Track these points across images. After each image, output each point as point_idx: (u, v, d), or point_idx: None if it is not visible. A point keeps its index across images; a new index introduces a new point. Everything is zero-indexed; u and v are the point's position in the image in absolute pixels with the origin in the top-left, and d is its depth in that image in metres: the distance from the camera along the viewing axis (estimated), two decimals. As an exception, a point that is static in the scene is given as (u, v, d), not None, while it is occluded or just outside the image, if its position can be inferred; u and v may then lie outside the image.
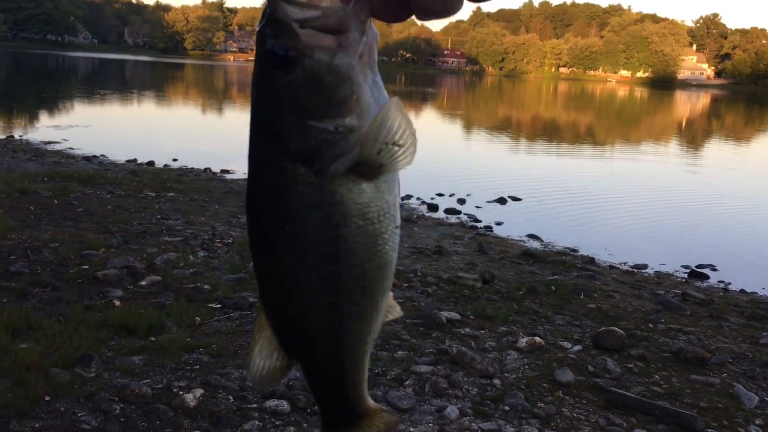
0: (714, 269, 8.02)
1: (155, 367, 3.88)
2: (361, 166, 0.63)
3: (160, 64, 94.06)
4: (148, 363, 3.91)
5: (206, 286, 5.30)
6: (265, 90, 0.64)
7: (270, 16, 0.59)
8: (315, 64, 0.60)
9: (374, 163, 0.62)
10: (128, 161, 12.66)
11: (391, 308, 0.79)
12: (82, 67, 68.57)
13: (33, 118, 21.29)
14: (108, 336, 4.22)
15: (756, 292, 7.15)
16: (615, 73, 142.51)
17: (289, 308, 0.72)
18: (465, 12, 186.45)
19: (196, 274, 5.61)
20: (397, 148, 0.62)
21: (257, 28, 0.62)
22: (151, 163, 12.55)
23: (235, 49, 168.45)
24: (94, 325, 4.31)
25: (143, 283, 5.28)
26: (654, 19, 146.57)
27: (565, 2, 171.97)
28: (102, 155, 13.18)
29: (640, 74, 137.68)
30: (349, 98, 0.61)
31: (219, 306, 4.94)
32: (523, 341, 4.60)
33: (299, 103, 0.62)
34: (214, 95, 40.49)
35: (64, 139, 15.15)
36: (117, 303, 4.77)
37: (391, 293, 0.77)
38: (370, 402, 0.84)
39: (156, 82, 51.75)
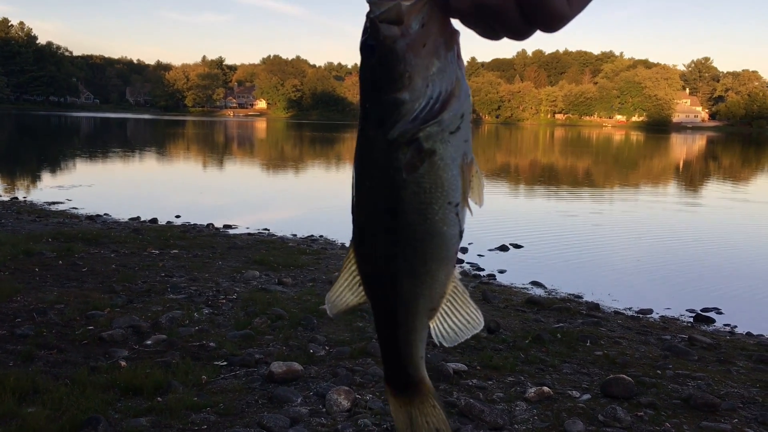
0: (719, 312, 7.99)
1: (162, 428, 3.85)
2: (419, 142, 0.78)
3: (161, 121, 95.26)
4: (156, 424, 3.89)
5: (212, 344, 5.30)
6: (361, 72, 0.80)
7: (366, 16, 0.76)
8: (384, 49, 0.75)
9: (427, 146, 0.78)
10: (131, 219, 12.75)
11: (458, 295, 0.89)
12: (85, 127, 69.44)
13: (36, 179, 21.50)
14: (114, 397, 4.20)
15: (763, 335, 7.11)
16: (610, 117, 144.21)
17: (365, 248, 0.86)
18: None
19: (202, 332, 5.61)
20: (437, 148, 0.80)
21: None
22: (154, 221, 12.63)
23: (234, 105, 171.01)
24: (101, 387, 4.30)
25: (149, 342, 5.28)
26: (646, 64, 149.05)
27: (557, 50, 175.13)
28: (105, 214, 13.28)
29: (635, 118, 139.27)
30: (402, 76, 0.75)
31: (225, 363, 4.93)
32: (531, 391, 4.57)
33: (375, 80, 0.78)
34: (215, 150, 40.91)
35: (67, 199, 15.29)
36: (123, 363, 4.77)
37: (457, 275, 0.89)
38: (426, 378, 0.93)
39: (157, 139, 52.35)
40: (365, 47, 0.77)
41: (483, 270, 9.78)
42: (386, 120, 0.77)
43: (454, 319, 0.89)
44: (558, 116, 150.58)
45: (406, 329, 0.88)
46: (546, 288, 8.87)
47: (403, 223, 0.81)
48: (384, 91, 0.77)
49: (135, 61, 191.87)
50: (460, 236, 0.85)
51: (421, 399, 0.93)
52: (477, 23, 0.72)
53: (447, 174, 0.80)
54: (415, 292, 0.85)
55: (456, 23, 0.77)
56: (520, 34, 0.71)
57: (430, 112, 0.77)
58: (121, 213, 13.34)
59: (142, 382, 4.36)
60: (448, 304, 0.89)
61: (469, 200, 0.85)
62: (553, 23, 0.68)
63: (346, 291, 0.89)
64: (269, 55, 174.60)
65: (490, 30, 0.73)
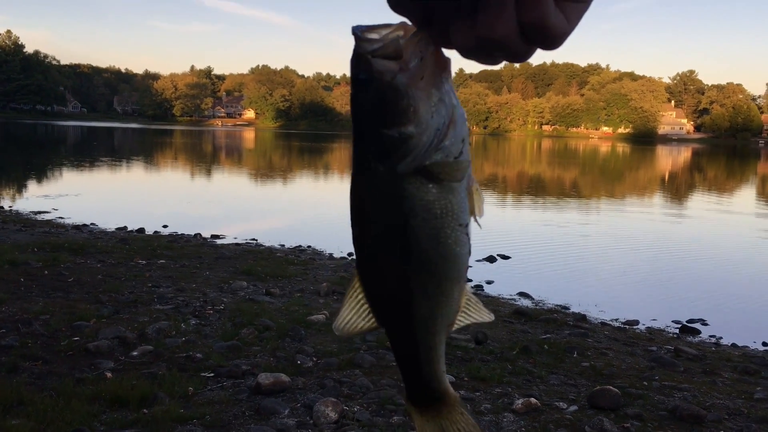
0: (705, 323, 8.05)
1: (148, 440, 3.83)
2: (426, 171, 0.78)
3: (149, 130, 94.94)
4: (141, 436, 3.86)
5: (198, 355, 5.27)
6: (355, 105, 0.79)
7: (354, 50, 0.75)
8: (381, 84, 0.75)
9: (435, 176, 0.79)
10: (118, 229, 12.68)
11: (472, 305, 0.92)
12: (71, 136, 69.08)
13: (22, 188, 21.35)
14: (100, 409, 4.17)
15: (747, 346, 7.17)
16: (597, 129, 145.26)
17: (373, 278, 0.86)
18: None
19: (188, 343, 5.58)
20: (452, 175, 0.81)
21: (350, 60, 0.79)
22: (141, 230, 12.57)
23: (223, 114, 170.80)
24: (86, 399, 4.26)
25: (135, 353, 5.25)
26: (632, 76, 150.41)
27: (545, 62, 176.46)
28: (92, 224, 13.20)
29: (621, 130, 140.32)
30: (407, 110, 0.75)
31: (212, 375, 4.90)
32: (518, 403, 4.58)
33: (374, 115, 0.77)
34: (203, 160, 40.81)
35: (53, 209, 15.19)
36: (109, 375, 4.73)
37: (469, 289, 0.91)
38: (450, 388, 0.94)
39: (145, 148, 52.16)
40: (359, 82, 0.77)
41: (470, 281, 9.79)
42: (392, 153, 0.78)
43: (469, 322, 0.92)
44: (545, 127, 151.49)
45: (425, 348, 0.90)
46: (533, 299, 8.90)
47: (416, 251, 0.81)
48: (387, 126, 0.77)
49: (123, 70, 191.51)
50: (470, 253, 0.87)
51: (449, 409, 0.94)
52: (479, 55, 0.72)
53: (456, 198, 0.81)
54: (432, 313, 0.87)
55: (449, 51, 0.77)
56: (522, 57, 0.71)
57: (435, 143, 0.77)
58: (108, 222, 13.27)
59: (128, 394, 4.33)
60: (463, 314, 0.91)
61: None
62: (554, 42, 0.69)
63: (355, 317, 0.89)
64: (258, 65, 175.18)
65: (490, 59, 0.73)
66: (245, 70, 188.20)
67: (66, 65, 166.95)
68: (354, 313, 0.88)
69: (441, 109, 0.77)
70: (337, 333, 0.89)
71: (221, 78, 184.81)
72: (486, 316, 0.92)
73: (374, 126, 0.78)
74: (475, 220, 0.86)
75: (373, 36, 0.74)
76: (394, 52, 0.73)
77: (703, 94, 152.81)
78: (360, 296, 0.88)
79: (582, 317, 7.80)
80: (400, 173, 0.78)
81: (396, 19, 0.76)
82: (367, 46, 0.74)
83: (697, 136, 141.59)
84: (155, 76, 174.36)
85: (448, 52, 0.77)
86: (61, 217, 13.99)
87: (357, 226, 0.84)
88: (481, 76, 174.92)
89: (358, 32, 0.75)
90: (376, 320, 0.89)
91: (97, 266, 8.53)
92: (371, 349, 5.60)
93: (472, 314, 0.91)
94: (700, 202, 25.07)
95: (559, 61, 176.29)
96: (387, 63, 0.74)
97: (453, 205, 0.81)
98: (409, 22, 0.75)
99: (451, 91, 0.78)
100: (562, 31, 0.68)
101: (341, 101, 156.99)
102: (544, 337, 6.46)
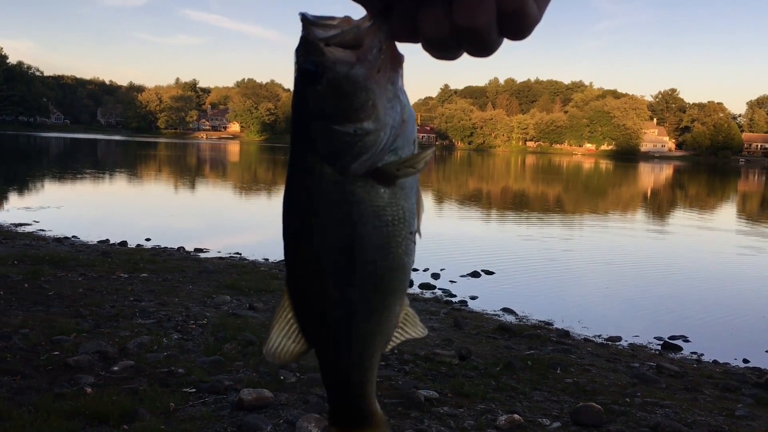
0: (686, 340, 8.11)
1: (128, 457, 3.78)
2: (379, 172, 0.72)
3: (132, 143, 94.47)
4: (121, 453, 3.81)
5: (180, 370, 5.22)
6: (299, 100, 0.73)
7: (302, 38, 0.69)
8: (336, 75, 0.69)
9: (391, 174, 0.73)
10: (100, 242, 12.57)
11: (409, 319, 0.85)
12: (54, 148, 68.56)
13: (2, 199, 21.11)
14: (79, 426, 4.11)
15: (728, 363, 7.23)
16: (580, 146, 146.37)
17: (308, 294, 0.79)
18: (433, 88, 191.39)
19: (170, 358, 5.53)
20: (412, 170, 0.74)
21: (295, 49, 0.72)
22: (123, 244, 12.47)
23: (208, 127, 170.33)
24: (66, 414, 4.20)
25: (116, 368, 5.18)
26: (615, 94, 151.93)
27: (529, 79, 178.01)
28: (74, 236, 13.07)
29: (604, 147, 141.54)
30: (366, 105, 0.70)
31: (194, 390, 4.85)
32: (502, 419, 4.58)
33: (325, 110, 0.71)
34: (187, 173, 40.64)
35: (35, 221, 15.03)
36: (89, 390, 4.67)
37: (407, 302, 0.84)
38: (378, 409, 0.88)
39: (129, 161, 51.88)
40: (307, 72, 0.70)
41: (455, 296, 9.80)
42: (346, 153, 0.71)
43: (402, 338, 0.86)
44: (529, 144, 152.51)
45: (361, 369, 0.84)
46: (517, 314, 8.92)
47: (362, 261, 0.75)
48: (341, 122, 0.71)
49: (107, 82, 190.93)
50: (413, 263, 0.81)
51: (373, 429, 0.88)
52: (446, 47, 0.67)
53: (407, 203, 0.76)
54: (372, 330, 0.81)
55: (402, 46, 0.72)
56: (490, 50, 0.67)
57: (390, 141, 0.72)
58: (90, 235, 13.15)
59: (108, 410, 4.27)
60: (400, 330, 0.85)
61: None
62: (526, 32, 0.65)
63: (286, 340, 0.81)
64: (243, 79, 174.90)
65: (453, 52, 0.67)
66: (231, 84, 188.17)
67: (49, 76, 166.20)
68: (285, 336, 0.81)
69: (396, 105, 0.73)
70: (268, 360, 0.82)
71: (206, 91, 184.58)
72: (420, 331, 0.86)
73: (325, 122, 0.72)
74: (419, 232, 0.80)
75: (328, 22, 0.69)
76: (353, 41, 0.68)
77: (684, 112, 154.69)
78: (289, 316, 0.81)
79: (565, 333, 7.83)
80: (351, 175, 0.72)
81: (353, 7, 0.70)
82: (320, 32, 0.68)
83: (679, 153, 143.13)
84: (140, 89, 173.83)
85: (400, 48, 0.73)
86: (43, 230, 13.84)
87: (292, 236, 0.78)
88: (466, 92, 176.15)
89: (309, 17, 0.69)
90: (306, 340, 0.82)
91: (79, 280, 8.45)
92: (355, 365, 5.57)
93: (408, 330, 0.85)
94: (681, 218, 25.31)
95: (543, 78, 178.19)
96: (343, 52, 0.68)
97: (404, 212, 0.76)
98: (356, 16, 0.69)
99: (403, 89, 0.74)
100: (535, 20, 0.65)
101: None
102: (528, 353, 6.47)
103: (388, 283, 0.78)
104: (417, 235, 0.79)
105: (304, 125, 0.73)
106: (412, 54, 0.76)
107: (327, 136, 0.72)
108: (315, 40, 0.69)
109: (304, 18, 0.69)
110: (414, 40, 0.69)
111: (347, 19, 0.70)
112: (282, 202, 0.77)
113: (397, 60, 0.72)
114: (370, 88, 0.70)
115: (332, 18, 0.70)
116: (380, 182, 0.73)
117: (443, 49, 0.67)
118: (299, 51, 0.70)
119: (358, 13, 0.70)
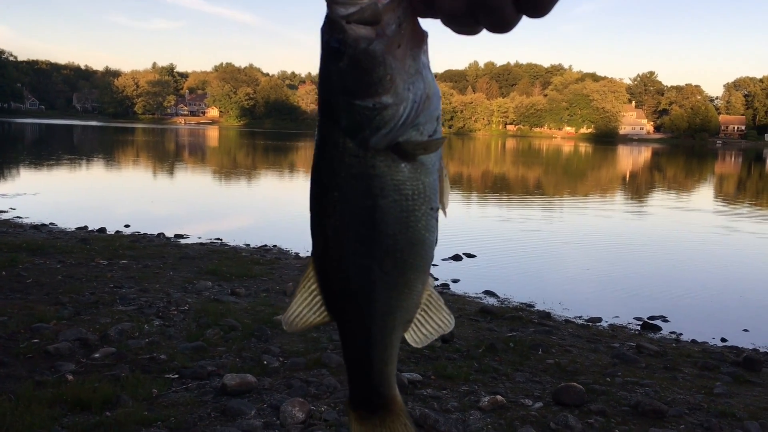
0: (665, 320, 8.21)
1: (111, 443, 3.76)
2: (399, 147, 0.74)
3: (109, 128, 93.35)
4: (104, 440, 3.78)
5: (162, 356, 5.19)
6: (324, 75, 0.75)
7: (326, 16, 0.71)
8: (356, 51, 0.70)
9: (411, 151, 0.75)
10: (78, 229, 12.43)
11: (433, 302, 0.86)
12: (30, 134, 67.51)
13: (-22, 186, 20.79)
14: (61, 413, 4.08)
15: (707, 342, 7.34)
16: (560, 129, 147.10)
17: (331, 265, 0.81)
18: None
19: (152, 344, 5.49)
20: (423, 152, 0.76)
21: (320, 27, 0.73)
22: (102, 230, 12.34)
23: (186, 112, 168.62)
24: (47, 402, 4.17)
25: (97, 355, 5.15)
26: (594, 77, 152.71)
27: (509, 62, 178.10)
28: (51, 223, 12.91)
29: (583, 130, 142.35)
30: (384, 79, 0.71)
31: (176, 376, 4.83)
32: (485, 400, 4.61)
33: (346, 85, 0.72)
34: (166, 159, 40.24)
35: (11, 208, 14.82)
36: (70, 377, 4.63)
37: (432, 283, 0.85)
38: (398, 395, 0.89)
39: (106, 147, 51.26)
40: (331, 50, 0.72)
41: (437, 279, 9.84)
42: (366, 126, 0.73)
43: (428, 326, 0.86)
44: (509, 127, 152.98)
45: (381, 346, 0.84)
46: (499, 297, 8.97)
47: (383, 234, 0.76)
48: (361, 96, 0.72)
49: (83, 67, 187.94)
50: (437, 242, 0.82)
51: (393, 418, 0.88)
52: (463, 22, 0.67)
53: (429, 179, 0.77)
54: (392, 305, 0.81)
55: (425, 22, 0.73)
56: (508, 27, 0.67)
57: (411, 116, 0.73)
58: (68, 222, 12.99)
59: (89, 397, 4.24)
60: (423, 312, 0.85)
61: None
62: (546, 9, 0.65)
63: (306, 310, 0.83)
64: (222, 63, 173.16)
65: (472, 27, 0.68)
66: (209, 68, 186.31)
67: (23, 61, 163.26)
68: (305, 306, 0.84)
69: (418, 81, 0.73)
70: (285, 327, 0.84)
71: (184, 76, 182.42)
72: (446, 318, 0.86)
73: (347, 97, 0.73)
74: (442, 208, 0.81)
75: (350, 0, 0.70)
76: (372, 17, 0.69)
77: (662, 95, 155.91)
78: (313, 287, 0.83)
79: (546, 315, 7.90)
80: (372, 149, 0.74)
81: None
82: (341, 10, 0.70)
83: (657, 136, 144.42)
84: (116, 73, 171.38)
85: (424, 25, 0.74)
86: (19, 217, 13.66)
87: (318, 209, 0.79)
88: (445, 76, 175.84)
89: None
90: (328, 313, 0.83)
91: (57, 267, 8.36)
92: (338, 348, 5.58)
93: (432, 314, 0.85)
94: (660, 200, 25.57)
95: (523, 61, 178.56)
96: (363, 29, 0.70)
97: (425, 187, 0.77)
98: None
99: (427, 66, 0.75)
100: None
101: (306, 100, 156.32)
102: (510, 335, 6.52)
103: (408, 258, 0.79)
104: (441, 213, 0.81)
105: (327, 100, 0.75)
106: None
107: (348, 110, 0.73)
108: (337, 18, 0.70)
109: None
110: (433, 16, 0.70)
111: None
112: (309, 174, 0.79)
113: (420, 36, 0.73)
114: (389, 63, 0.71)
115: None
116: (401, 157, 0.75)
117: (461, 23, 0.68)
118: (323, 29, 0.72)
119: None
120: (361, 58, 0.70)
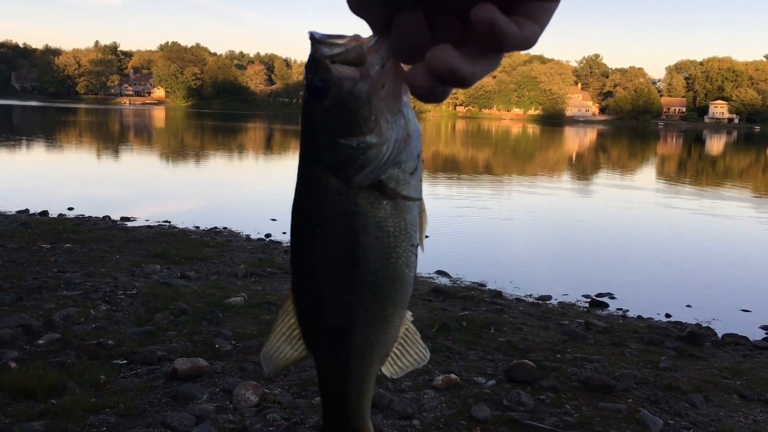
0: (612, 297, 8.41)
1: (58, 431, 3.65)
2: (382, 186, 0.75)
3: (50, 108, 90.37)
4: (50, 428, 3.67)
5: (110, 342, 5.07)
6: (308, 114, 0.75)
7: (310, 55, 0.71)
8: (341, 91, 0.71)
9: (391, 189, 0.76)
10: (19, 212, 12.01)
11: (410, 336, 0.87)
12: (-36, 114, 64.81)
13: None
14: (4, 401, 3.94)
15: (652, 318, 7.55)
16: (508, 111, 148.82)
17: (310, 300, 0.81)
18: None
19: (99, 329, 5.35)
20: (410, 200, 0.79)
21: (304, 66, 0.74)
22: (44, 213, 11.96)
23: (131, 93, 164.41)
24: (-12, 391, 4.02)
25: (41, 341, 4.99)
26: (541, 60, 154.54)
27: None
28: (-11, 206, 12.45)
29: (531, 112, 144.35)
30: (368, 119, 0.72)
31: (125, 362, 4.72)
32: (439, 379, 4.64)
33: (330, 124, 0.73)
34: (111, 140, 39.16)
35: (-55, 191, 14.23)
36: (13, 365, 4.48)
37: (409, 317, 0.86)
38: (371, 428, 0.90)
39: (47, 127, 49.56)
40: (315, 88, 0.72)
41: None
42: (348, 164, 0.74)
43: (405, 360, 0.87)
44: (459, 109, 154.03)
45: (358, 380, 0.86)
46: (451, 277, 9.04)
47: (364, 270, 0.77)
48: (345, 135, 0.73)
49: (21, 45, 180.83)
50: (415, 277, 0.83)
51: None
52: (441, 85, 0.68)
53: (409, 216, 0.78)
54: (371, 340, 0.83)
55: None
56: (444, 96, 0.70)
57: (393, 154, 0.74)
58: (8, 205, 12.53)
59: (34, 384, 4.11)
60: (400, 346, 0.87)
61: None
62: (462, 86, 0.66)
63: (285, 345, 0.84)
64: (167, 42, 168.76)
65: (442, 93, 0.69)
66: (154, 47, 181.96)
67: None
68: (284, 340, 0.84)
69: (400, 120, 0.74)
70: (264, 365, 0.84)
71: (128, 55, 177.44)
72: (422, 352, 0.88)
73: (330, 135, 0.74)
74: (420, 244, 0.82)
75: (334, 41, 0.71)
76: (357, 58, 0.70)
77: (607, 77, 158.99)
78: (291, 320, 0.84)
79: (498, 294, 8.00)
80: (355, 187, 0.74)
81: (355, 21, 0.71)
82: (327, 50, 0.70)
83: (602, 118, 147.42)
84: (56, 52, 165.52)
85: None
86: (-45, 200, 13.12)
87: (299, 244, 0.80)
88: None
89: (317, 36, 0.71)
90: (306, 347, 0.84)
91: (-3, 251, 8.05)
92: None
93: (409, 348, 0.87)
94: (605, 179, 26.13)
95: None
96: (348, 69, 0.70)
97: (406, 224, 0.78)
98: (364, 33, 0.72)
99: (408, 104, 0.76)
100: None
101: (255, 80, 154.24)
102: (462, 314, 6.58)
103: (388, 294, 0.80)
104: (419, 249, 0.82)
105: (311, 138, 0.76)
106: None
107: (331, 148, 0.74)
108: (322, 58, 0.71)
109: (312, 37, 0.71)
110: (411, 61, 0.71)
111: (356, 37, 0.71)
112: (291, 210, 0.80)
113: (401, 76, 0.74)
114: (373, 104, 0.72)
115: (340, 36, 0.71)
116: (383, 195, 0.76)
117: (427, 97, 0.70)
118: (308, 68, 0.72)
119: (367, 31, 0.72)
120: (346, 98, 0.71)
